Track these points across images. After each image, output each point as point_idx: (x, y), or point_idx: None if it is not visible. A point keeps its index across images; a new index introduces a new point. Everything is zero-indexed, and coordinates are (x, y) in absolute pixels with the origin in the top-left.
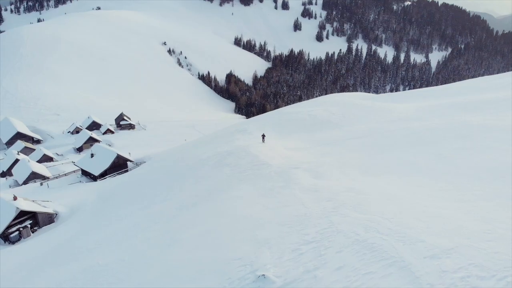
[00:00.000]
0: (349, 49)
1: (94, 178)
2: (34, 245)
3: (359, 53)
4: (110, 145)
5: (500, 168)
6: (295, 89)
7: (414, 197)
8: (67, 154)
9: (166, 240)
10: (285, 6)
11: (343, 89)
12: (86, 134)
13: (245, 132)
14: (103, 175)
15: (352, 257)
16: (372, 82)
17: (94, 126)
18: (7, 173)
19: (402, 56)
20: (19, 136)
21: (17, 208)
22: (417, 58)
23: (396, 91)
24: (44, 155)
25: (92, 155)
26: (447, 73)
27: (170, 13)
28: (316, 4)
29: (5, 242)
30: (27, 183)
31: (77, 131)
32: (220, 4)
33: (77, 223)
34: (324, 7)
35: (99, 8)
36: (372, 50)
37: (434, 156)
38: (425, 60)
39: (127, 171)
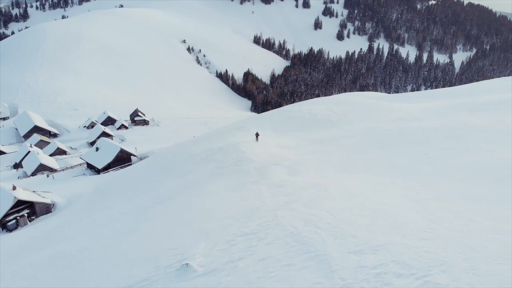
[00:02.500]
0: (370, 48)
1: (98, 171)
2: (26, 232)
3: (380, 52)
4: (122, 140)
5: (477, 169)
6: (313, 88)
7: (374, 195)
8: (81, 148)
9: (129, 230)
10: (306, 4)
11: (363, 88)
12: (99, 129)
13: (243, 129)
14: (106, 168)
15: (279, 249)
16: (393, 82)
17: (109, 121)
18: (19, 165)
19: (425, 56)
20: (36, 129)
21: (15, 197)
22: (440, 58)
23: (417, 91)
24: (58, 148)
25: (97, 149)
26: (471, 74)
27: (190, 11)
28: (337, 2)
29: (2, 230)
30: (35, 174)
31: (92, 126)
32: (241, 3)
33: (69, 213)
34: (345, 5)
35: (121, 6)
36: (394, 49)
37: (418, 156)
38: (449, 60)
39: (130, 165)
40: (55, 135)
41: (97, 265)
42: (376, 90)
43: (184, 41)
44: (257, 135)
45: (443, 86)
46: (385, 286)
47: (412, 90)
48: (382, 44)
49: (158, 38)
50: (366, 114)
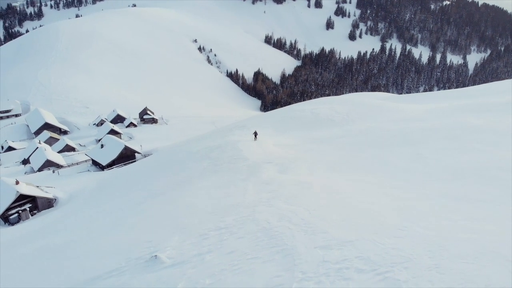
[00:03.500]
0: (383, 49)
1: (102, 167)
2: (26, 226)
3: (393, 53)
4: (131, 138)
5: (467, 169)
6: (323, 88)
7: (357, 193)
8: (89, 145)
9: (116, 224)
10: (318, 4)
11: (374, 89)
12: (108, 126)
13: (244, 128)
14: (110, 165)
15: (249, 243)
16: (405, 82)
17: (118, 119)
18: (27, 160)
19: (438, 57)
20: (46, 126)
21: (17, 191)
22: (453, 59)
23: (426, 92)
24: (67, 145)
25: (102, 146)
26: (485, 76)
27: (202, 11)
28: (350, 2)
29: (5, 223)
30: (42, 170)
31: (101, 123)
32: (253, 2)
33: (69, 208)
34: (358, 5)
35: (134, 6)
36: (407, 50)
37: (412, 156)
38: (462, 61)
39: (134, 162)
40: (65, 132)
41: (76, 257)
42: (388, 91)
43: (195, 41)
44: (255, 134)
45: (456, 88)
46: (343, 280)
47: (425, 91)
48: (395, 44)
49: (169, 38)
50: (370, 114)
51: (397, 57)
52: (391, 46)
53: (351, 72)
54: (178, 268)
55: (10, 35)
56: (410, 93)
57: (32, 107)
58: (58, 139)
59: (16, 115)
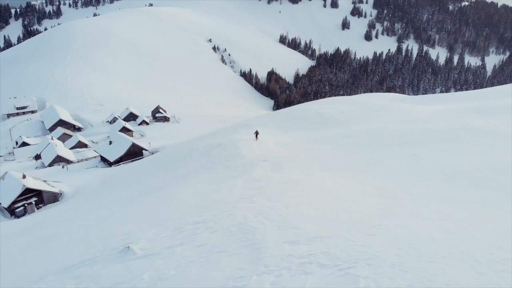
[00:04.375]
0: (399, 49)
1: (110, 164)
2: (29, 219)
3: (409, 53)
4: (142, 135)
5: (459, 170)
6: (337, 88)
7: (343, 191)
8: (102, 141)
9: (106, 217)
10: (334, 4)
11: (389, 90)
12: (120, 124)
13: (248, 127)
14: (118, 161)
15: (220, 237)
16: (421, 84)
17: (131, 117)
18: (39, 156)
19: (456, 58)
20: (61, 123)
21: (24, 185)
22: (471, 61)
23: (438, 93)
24: (79, 141)
25: (110, 142)
26: (503, 78)
27: (218, 10)
28: (366, 2)
29: (11, 216)
30: (52, 165)
31: (114, 120)
32: (268, 2)
33: (72, 202)
34: (375, 5)
35: (151, 5)
36: (424, 51)
37: (408, 156)
38: (481, 63)
39: (142, 158)
40: (79, 129)
41: (61, 247)
42: (404, 92)
43: (210, 40)
44: (256, 133)
45: (474, 90)
46: (304, 275)
47: (441, 92)
48: (411, 45)
49: (184, 37)
50: (375, 114)
51: (414, 58)
52: (407, 47)
53: (366, 73)
54: (148, 259)
55: (29, 33)
56: (426, 94)
57: (48, 104)
58: (71, 136)
59: (32, 112)
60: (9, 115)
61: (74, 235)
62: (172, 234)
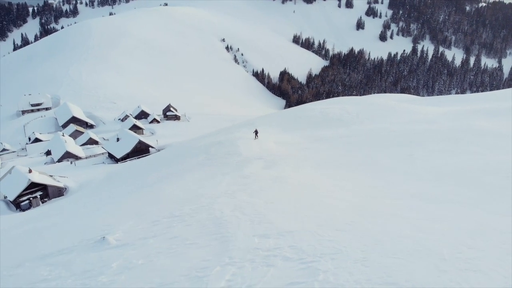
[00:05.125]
0: (414, 50)
1: (117, 160)
2: (31, 212)
3: (425, 54)
4: (152, 133)
5: (451, 171)
6: (351, 88)
7: (328, 189)
8: (112, 139)
9: (95, 210)
10: (349, 4)
11: (403, 91)
12: (131, 121)
13: (252, 126)
14: (124, 158)
15: (194, 230)
16: (436, 85)
17: (142, 115)
18: (50, 152)
19: (472, 60)
20: (73, 120)
21: (29, 179)
22: (488, 62)
23: (452, 95)
24: (90, 138)
25: (118, 139)
26: None
27: (232, 10)
28: (382, 3)
29: (17, 209)
30: (61, 161)
31: (125, 118)
32: (283, 2)
33: (75, 197)
34: (390, 6)
35: (166, 5)
36: (439, 52)
37: (403, 156)
38: (497, 65)
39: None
40: (91, 126)
41: (45, 238)
42: (418, 94)
43: (223, 40)
44: (256, 132)
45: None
46: (266, 267)
47: (457, 94)
48: (427, 46)
49: (198, 36)
50: (381, 115)
51: (429, 59)
52: (423, 48)
53: (380, 74)
54: (120, 249)
55: (46, 31)
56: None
57: (62, 101)
58: (83, 132)
59: (47, 109)
60: (24, 112)
61: (60, 226)
62: (148, 226)
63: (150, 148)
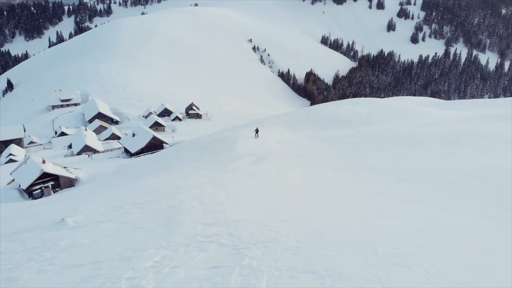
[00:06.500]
0: (446, 53)
1: (131, 155)
2: (43, 200)
3: (457, 58)
4: (173, 130)
5: (433, 172)
6: (378, 91)
7: (300, 184)
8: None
9: (79, 197)
10: (380, 5)
11: (434, 94)
12: (153, 118)
13: (259, 125)
14: (138, 153)
15: (147, 216)
16: (468, 90)
17: (165, 112)
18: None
19: (507, 64)
20: (99, 116)
21: (42, 169)
22: None
23: (475, 99)
24: (113, 133)
25: (133, 135)
26: None
27: (261, 11)
28: (414, 4)
29: (29, 197)
30: (80, 154)
31: (149, 115)
32: (312, 3)
33: (82, 187)
34: (423, 7)
35: (196, 5)
36: (473, 55)
37: (393, 157)
38: None
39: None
40: (116, 122)
41: (22, 219)
42: (449, 97)
43: (250, 40)
44: (256, 131)
45: None
46: (198, 251)
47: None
48: (460, 49)
49: (226, 37)
50: (391, 117)
51: (462, 63)
52: (455, 51)
53: (410, 76)
54: (74, 230)
55: (80, 30)
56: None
57: (90, 97)
58: (107, 128)
59: (75, 104)
60: (54, 107)
61: (38, 209)
62: (107, 211)
63: (164, 144)
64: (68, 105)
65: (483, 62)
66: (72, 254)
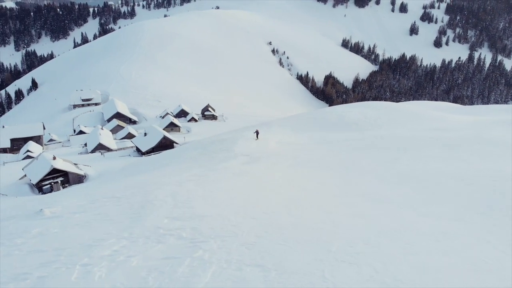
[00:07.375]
0: (470, 58)
1: (142, 153)
2: (50, 195)
3: (482, 62)
4: (188, 131)
5: (421, 176)
6: (399, 95)
7: (280, 183)
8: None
9: (68, 191)
10: (403, 9)
11: (456, 99)
12: (168, 119)
13: (266, 126)
14: (149, 152)
15: (119, 209)
16: (492, 95)
17: (182, 113)
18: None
19: None
20: (118, 115)
21: (52, 165)
22: None
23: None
24: (129, 133)
25: (145, 134)
26: None
27: (281, 14)
28: (438, 8)
29: (39, 192)
30: (94, 152)
31: (166, 116)
32: (334, 6)
33: (89, 183)
34: (447, 11)
35: (217, 8)
36: (497, 60)
37: (388, 160)
38: None
39: None
40: (134, 122)
41: (10, 211)
42: (472, 103)
43: (269, 43)
44: (256, 132)
45: None
46: (156, 243)
47: None
48: (485, 54)
49: (245, 39)
50: (401, 121)
51: (486, 68)
52: (480, 56)
53: (432, 81)
54: (49, 220)
55: (105, 31)
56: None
57: (110, 97)
58: (124, 127)
59: (96, 104)
60: (75, 106)
61: (26, 201)
62: (85, 204)
63: (174, 144)
64: (88, 105)
65: (508, 67)
66: (40, 241)
